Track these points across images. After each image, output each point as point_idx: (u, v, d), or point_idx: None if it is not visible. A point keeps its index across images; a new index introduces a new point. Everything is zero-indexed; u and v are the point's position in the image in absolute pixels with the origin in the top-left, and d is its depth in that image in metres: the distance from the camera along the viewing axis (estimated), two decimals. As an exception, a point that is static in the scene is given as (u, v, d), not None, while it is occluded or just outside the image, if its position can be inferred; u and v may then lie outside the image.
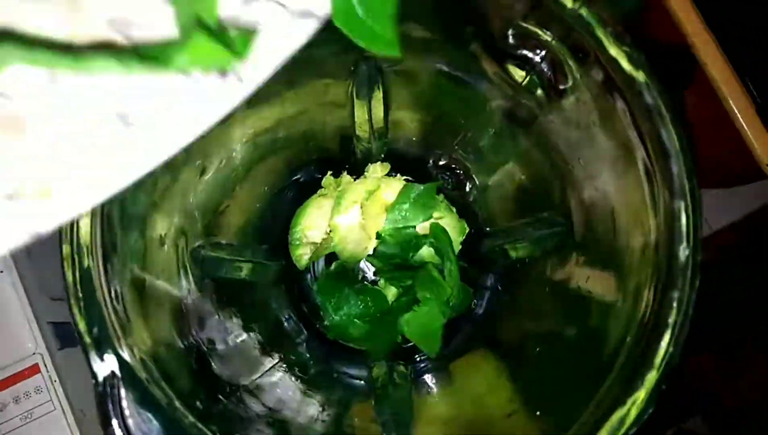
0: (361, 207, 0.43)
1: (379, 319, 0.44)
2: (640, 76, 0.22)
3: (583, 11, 0.22)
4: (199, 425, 0.22)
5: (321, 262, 0.46)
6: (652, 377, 0.22)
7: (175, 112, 0.17)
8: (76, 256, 0.21)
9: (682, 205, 0.22)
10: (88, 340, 0.20)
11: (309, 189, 0.44)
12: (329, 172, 0.44)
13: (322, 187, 0.44)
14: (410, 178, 0.44)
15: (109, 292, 0.21)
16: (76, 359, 0.45)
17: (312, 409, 0.36)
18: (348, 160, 0.44)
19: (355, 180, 0.43)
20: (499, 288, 0.44)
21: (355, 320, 0.44)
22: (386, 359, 0.42)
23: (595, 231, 0.29)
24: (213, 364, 0.29)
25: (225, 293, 0.34)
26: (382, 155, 0.44)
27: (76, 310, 0.20)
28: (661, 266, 0.23)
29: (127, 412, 0.21)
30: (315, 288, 0.44)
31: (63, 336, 0.44)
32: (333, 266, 0.44)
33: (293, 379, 0.38)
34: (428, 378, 0.43)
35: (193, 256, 0.30)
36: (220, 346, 0.30)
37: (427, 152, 0.43)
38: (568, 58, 0.25)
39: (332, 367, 0.42)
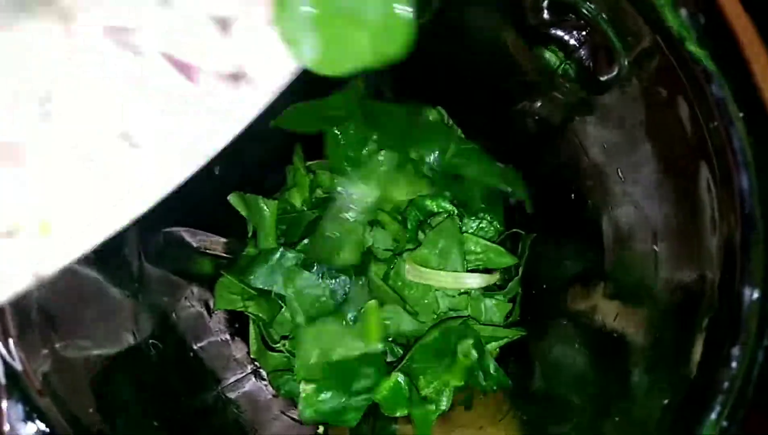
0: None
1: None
2: (709, 63, 0.17)
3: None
4: None
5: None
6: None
7: (187, 129, 0.15)
8: None
9: (753, 233, 0.17)
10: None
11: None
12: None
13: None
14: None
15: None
16: None
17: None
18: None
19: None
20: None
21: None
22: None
23: (630, 257, 0.24)
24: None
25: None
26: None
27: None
28: (718, 312, 0.18)
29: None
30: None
31: None
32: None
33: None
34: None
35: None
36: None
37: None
38: (615, 39, 0.20)
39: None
